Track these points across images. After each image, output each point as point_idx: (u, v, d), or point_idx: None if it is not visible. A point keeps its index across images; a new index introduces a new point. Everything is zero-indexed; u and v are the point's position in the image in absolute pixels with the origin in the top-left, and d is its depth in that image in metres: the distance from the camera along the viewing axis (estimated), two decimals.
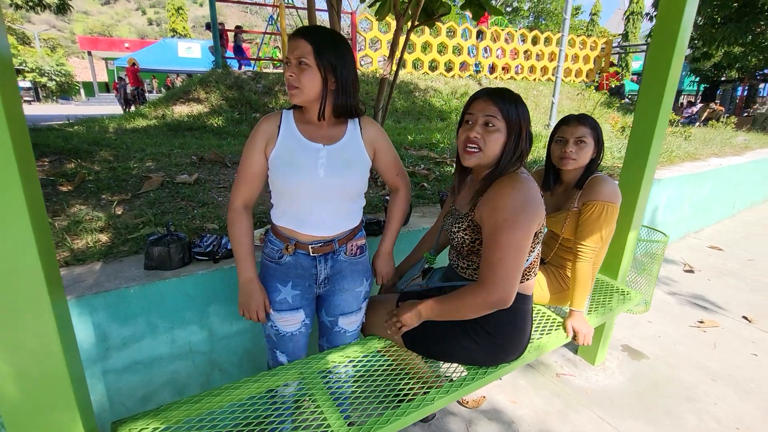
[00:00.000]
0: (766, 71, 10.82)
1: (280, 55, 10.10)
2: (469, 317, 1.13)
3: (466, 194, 1.25)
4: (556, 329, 1.52)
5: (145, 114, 6.04)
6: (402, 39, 2.68)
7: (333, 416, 1.05)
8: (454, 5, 7.56)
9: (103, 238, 1.72)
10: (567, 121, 1.50)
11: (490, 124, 1.10)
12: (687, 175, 3.80)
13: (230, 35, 8.97)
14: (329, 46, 1.06)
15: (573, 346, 2.26)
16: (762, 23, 8.23)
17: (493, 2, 11.21)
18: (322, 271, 1.22)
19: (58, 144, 3.45)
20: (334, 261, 1.23)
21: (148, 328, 1.34)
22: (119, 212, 2.08)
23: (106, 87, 27.09)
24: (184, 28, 37.14)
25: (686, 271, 3.34)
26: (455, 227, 1.23)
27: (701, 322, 2.55)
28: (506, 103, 1.10)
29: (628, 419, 1.76)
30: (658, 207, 3.54)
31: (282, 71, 7.64)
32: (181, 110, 6.08)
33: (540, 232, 1.16)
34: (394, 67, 2.75)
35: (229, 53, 8.67)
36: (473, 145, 1.11)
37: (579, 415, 1.79)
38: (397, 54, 2.76)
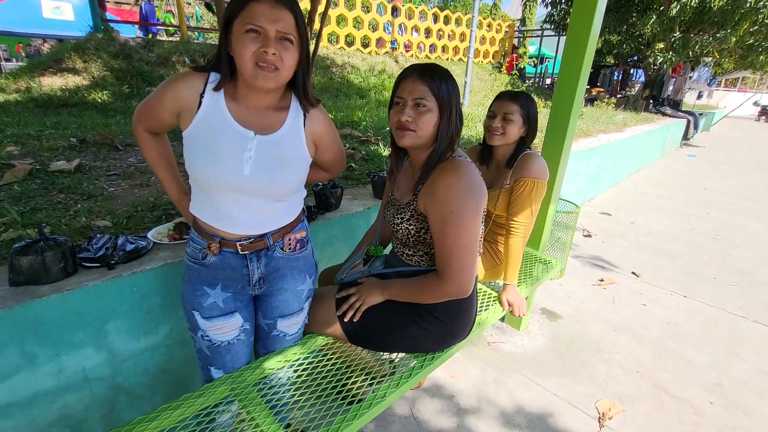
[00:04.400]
0: (635, 58, 12.50)
1: (174, 20, 8.91)
2: (427, 302, 1.14)
3: (406, 182, 1.19)
4: (492, 304, 1.56)
5: (2, 86, 4.89)
6: (322, 6, 2.47)
7: None
8: None
9: None
10: (500, 97, 1.51)
11: (421, 105, 1.03)
12: (583, 150, 4.24)
13: None
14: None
15: None
16: (634, 15, 9.43)
17: None
18: (255, 270, 1.04)
19: None
20: (270, 258, 1.06)
21: (22, 360, 1.05)
22: None
23: None
24: None
25: (585, 236, 3.76)
26: (398, 218, 1.16)
27: (601, 280, 2.89)
28: (436, 80, 1.03)
29: (552, 377, 1.92)
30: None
31: (177, 38, 6.73)
32: (52, 82, 5.04)
33: (484, 211, 1.15)
34: (314, 37, 2.54)
35: (110, 15, 7.38)
36: (405, 130, 1.04)
37: (511, 379, 1.89)
38: (317, 24, 2.55)
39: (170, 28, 8.59)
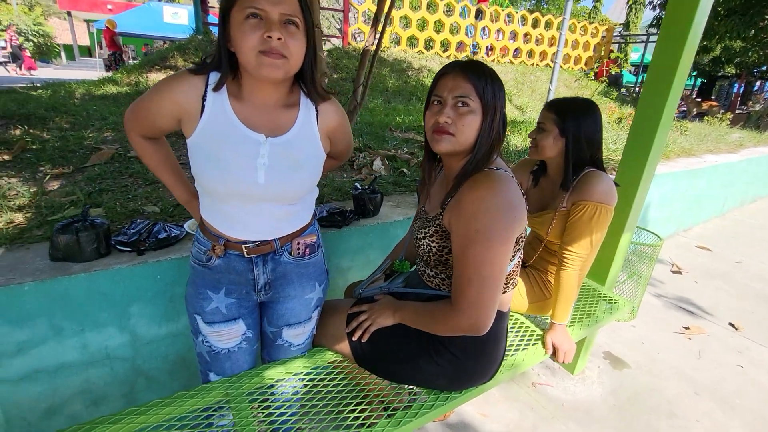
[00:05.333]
0: (764, 68, 10.67)
1: None
2: (440, 334, 1.00)
3: (438, 193, 1.06)
4: (534, 344, 1.34)
5: (117, 80, 5.64)
6: (386, 6, 2.40)
7: None
8: None
9: (19, 218, 1.47)
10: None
11: (464, 105, 0.89)
12: (682, 171, 3.65)
13: None
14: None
15: None
16: (766, 17, 8.01)
17: None
18: (260, 275, 0.99)
19: (10, 108, 3.13)
20: (276, 263, 0.99)
21: (50, 331, 1.12)
22: (52, 188, 1.83)
23: (88, 51, 25.82)
24: None
25: (674, 272, 3.21)
26: (421, 233, 1.03)
27: (687, 328, 2.43)
28: (481, 78, 0.89)
29: None
30: (650, 204, 3.39)
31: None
32: (157, 78, 5.68)
33: (521, 238, 0.97)
34: (376, 40, 2.48)
35: (212, 18, 8.14)
36: (444, 133, 0.91)
37: (553, 430, 1.64)
38: (380, 26, 2.49)
39: None
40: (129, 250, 1.24)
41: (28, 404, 1.16)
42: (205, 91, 0.83)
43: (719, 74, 11.89)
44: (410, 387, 1.14)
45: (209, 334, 1.00)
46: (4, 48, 17.25)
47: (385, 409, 1.09)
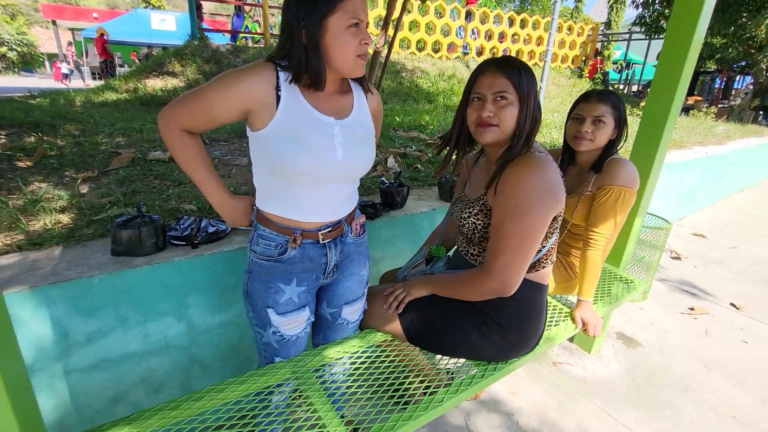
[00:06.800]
0: (743, 63, 11.03)
1: (259, 29, 9.60)
2: (469, 299, 1.10)
3: (481, 178, 1.15)
4: (564, 320, 1.44)
5: (116, 87, 5.62)
6: (398, 9, 2.49)
7: (332, 421, 0.93)
8: None
9: (65, 219, 1.52)
10: (586, 98, 1.39)
11: (502, 98, 0.99)
12: (676, 163, 3.81)
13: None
14: None
15: None
16: (744, 15, 8.32)
17: None
18: (332, 258, 1.06)
19: (17, 116, 3.13)
20: (344, 245, 1.08)
21: (116, 322, 1.18)
22: (84, 191, 1.87)
23: None
24: None
25: (673, 258, 3.36)
26: (465, 213, 1.13)
27: (692, 309, 2.56)
28: (515, 72, 0.99)
29: (628, 410, 1.72)
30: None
31: (262, 45, 7.24)
32: (155, 84, 5.69)
33: (559, 216, 1.07)
34: (388, 41, 2.56)
35: (204, 25, 8.16)
36: (488, 126, 1.02)
37: (579, 406, 1.74)
38: (390, 29, 2.57)
39: (256, 36, 9.26)
40: (183, 244, 1.30)
41: (95, 392, 1.21)
42: (278, 83, 0.88)
43: (701, 70, 12.25)
44: (447, 366, 1.23)
45: (281, 324, 1.04)
46: (69, 65, 17.87)
47: (427, 388, 1.17)
